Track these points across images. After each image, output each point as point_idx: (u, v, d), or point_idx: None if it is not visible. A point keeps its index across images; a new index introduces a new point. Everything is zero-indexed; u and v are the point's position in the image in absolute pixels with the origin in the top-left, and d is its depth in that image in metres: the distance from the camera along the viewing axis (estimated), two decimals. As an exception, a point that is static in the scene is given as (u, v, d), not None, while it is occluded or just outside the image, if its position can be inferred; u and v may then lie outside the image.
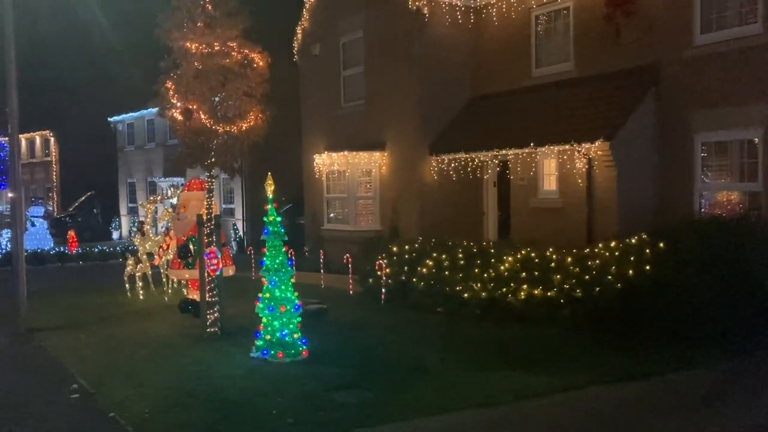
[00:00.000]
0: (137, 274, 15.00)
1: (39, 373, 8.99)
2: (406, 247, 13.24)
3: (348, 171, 18.50)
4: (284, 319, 9.06)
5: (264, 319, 9.19)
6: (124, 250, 24.85)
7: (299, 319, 9.23)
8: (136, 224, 15.81)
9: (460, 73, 17.72)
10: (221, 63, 9.84)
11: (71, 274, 20.99)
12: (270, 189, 9.34)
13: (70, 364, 9.33)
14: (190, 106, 9.67)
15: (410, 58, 17.25)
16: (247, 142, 10.44)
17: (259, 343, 9.21)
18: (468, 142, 16.08)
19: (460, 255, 12.00)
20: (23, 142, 41.11)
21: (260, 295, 9.26)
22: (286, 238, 9.31)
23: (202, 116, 9.80)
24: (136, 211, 35.41)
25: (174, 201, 15.24)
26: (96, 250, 25.08)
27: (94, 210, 35.70)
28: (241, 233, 27.25)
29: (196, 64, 9.86)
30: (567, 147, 13.55)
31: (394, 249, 13.38)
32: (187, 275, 12.21)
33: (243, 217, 27.73)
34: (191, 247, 11.81)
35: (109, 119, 36.98)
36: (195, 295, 12.42)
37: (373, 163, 18.20)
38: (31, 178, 43.39)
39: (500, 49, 17.07)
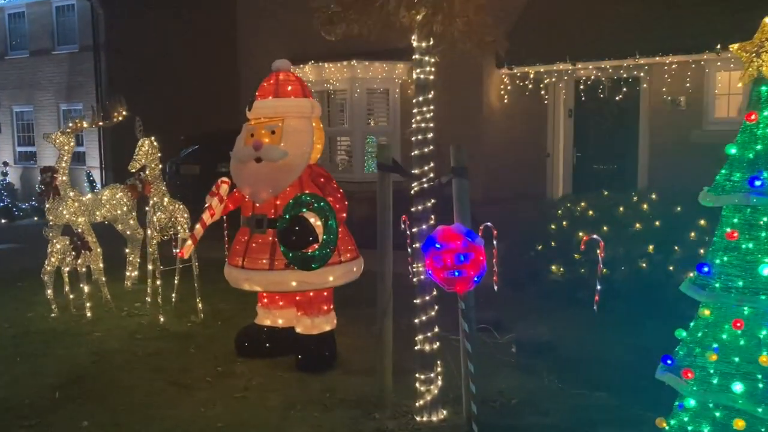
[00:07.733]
0: (65, 268, 7.89)
1: None
2: (580, 204, 7.71)
3: (357, 91, 12.30)
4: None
5: (740, 423, 3.43)
6: None
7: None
8: (44, 177, 8.17)
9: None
10: None
11: None
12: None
13: None
14: None
15: None
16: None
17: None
18: (569, 47, 10.91)
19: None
20: None
21: (716, 345, 3.49)
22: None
23: None
24: None
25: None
26: None
27: None
28: (99, 188, 19.21)
29: None
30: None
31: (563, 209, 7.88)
32: (294, 282, 5.62)
33: (102, 164, 19.77)
34: (315, 221, 5.31)
35: None
36: (282, 319, 6.01)
37: (394, 79, 12.27)
38: None
39: None
